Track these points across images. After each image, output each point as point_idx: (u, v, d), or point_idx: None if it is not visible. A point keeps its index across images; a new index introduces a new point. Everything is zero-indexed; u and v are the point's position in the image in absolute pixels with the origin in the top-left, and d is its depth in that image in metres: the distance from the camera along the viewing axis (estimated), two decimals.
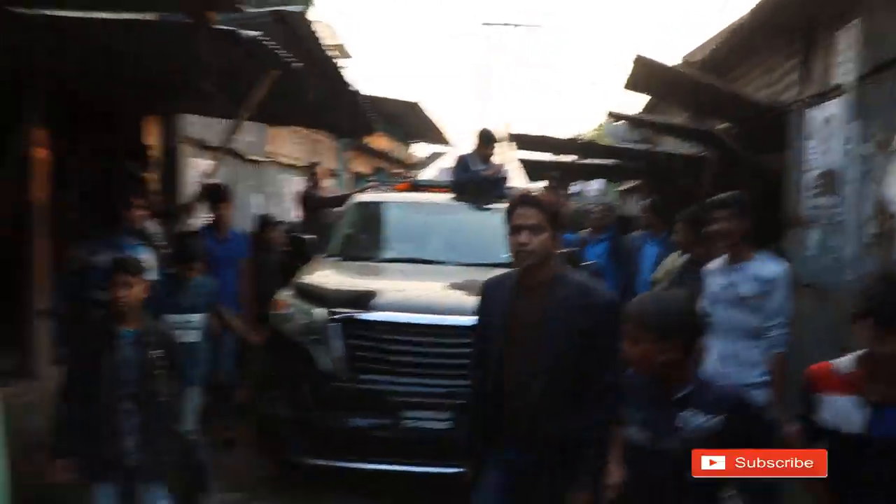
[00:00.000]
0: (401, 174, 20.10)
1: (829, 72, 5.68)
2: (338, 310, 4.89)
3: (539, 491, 2.89)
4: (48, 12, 4.44)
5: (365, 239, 6.59)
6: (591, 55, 66.79)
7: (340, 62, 8.34)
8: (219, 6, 4.47)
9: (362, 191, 8.46)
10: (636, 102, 12.47)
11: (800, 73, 6.26)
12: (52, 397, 3.67)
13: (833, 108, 5.54)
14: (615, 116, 10.30)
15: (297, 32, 5.62)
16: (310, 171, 9.70)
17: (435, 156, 23.98)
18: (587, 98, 66.43)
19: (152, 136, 8.73)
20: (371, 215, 6.88)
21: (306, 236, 6.85)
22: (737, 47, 7.49)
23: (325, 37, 7.09)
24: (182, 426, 3.97)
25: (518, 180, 16.10)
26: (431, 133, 19.10)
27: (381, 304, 4.91)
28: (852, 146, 5.19)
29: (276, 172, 13.06)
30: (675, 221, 5.29)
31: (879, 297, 2.50)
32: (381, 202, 7.14)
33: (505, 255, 3.55)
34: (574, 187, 11.73)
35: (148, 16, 4.57)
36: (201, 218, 6.96)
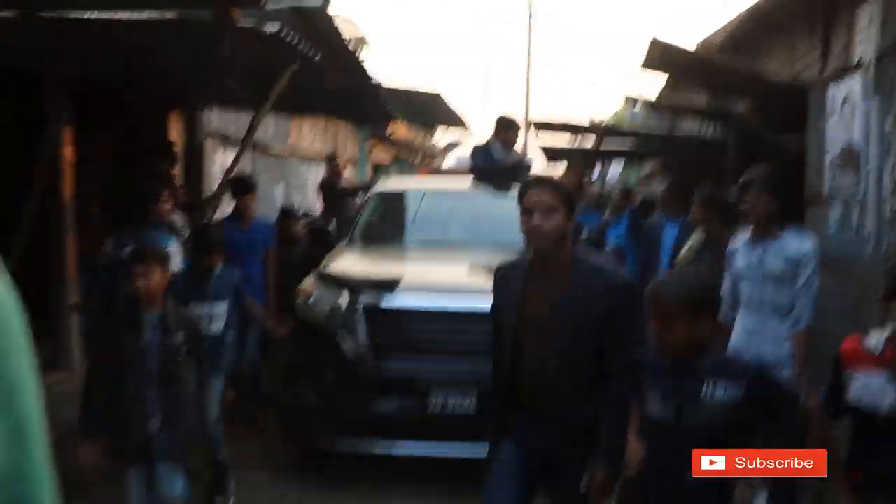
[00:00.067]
0: (422, 162, 20.15)
1: (849, 49, 5.65)
2: (362, 296, 4.93)
3: (556, 473, 2.91)
4: (74, 15, 4.54)
5: (387, 226, 6.64)
6: (610, 42, 66.28)
7: (362, 54, 8.40)
8: (242, 3, 4.54)
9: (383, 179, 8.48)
10: (655, 86, 12.44)
11: (821, 51, 6.24)
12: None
13: (853, 85, 5.52)
14: (633, 100, 10.28)
15: (318, 27, 5.70)
16: (330, 161, 9.76)
17: (455, 144, 23.99)
18: (606, 83, 65.98)
19: (176, 132, 8.87)
20: (393, 203, 6.91)
21: (328, 227, 6.91)
22: (757, 27, 7.46)
23: (346, 30, 7.15)
24: (206, 413, 4.00)
25: (540, 167, 16.13)
26: (452, 121, 19.10)
27: (405, 290, 4.95)
28: (872, 123, 5.18)
29: (299, 164, 13.16)
30: (692, 202, 5.32)
31: None
32: (403, 190, 7.18)
33: None
34: (595, 171, 11.74)
35: (172, 14, 4.65)
36: (226, 209, 7.06)
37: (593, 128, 10.43)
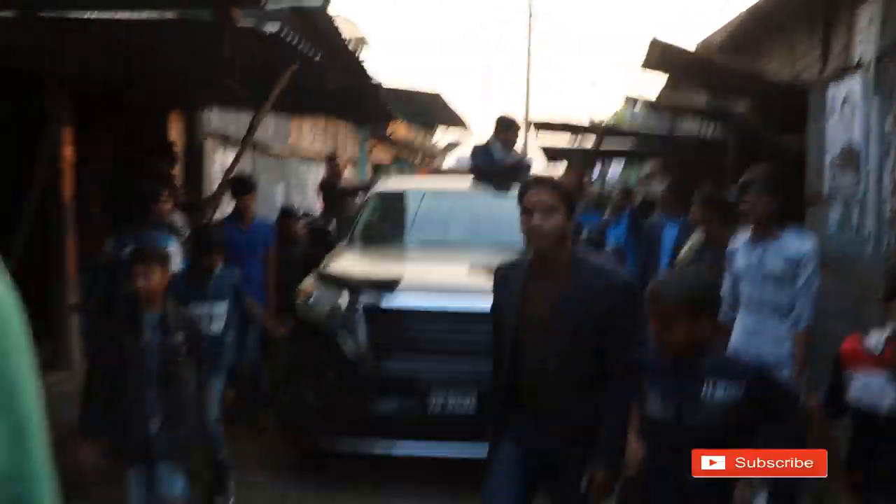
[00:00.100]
0: (422, 162, 20.16)
1: (849, 49, 5.66)
2: (362, 296, 4.93)
3: (556, 473, 2.90)
4: (74, 15, 4.54)
5: (387, 226, 6.65)
6: (610, 42, 66.29)
7: (362, 54, 8.40)
8: (242, 3, 4.55)
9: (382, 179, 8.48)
10: (655, 87, 12.45)
11: (821, 51, 6.24)
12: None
13: (853, 85, 5.53)
14: (633, 100, 10.28)
15: (318, 27, 5.70)
16: (330, 161, 9.76)
17: (455, 144, 24.01)
18: (607, 83, 65.99)
19: (176, 132, 8.87)
20: (393, 203, 6.91)
21: (328, 227, 6.91)
22: (757, 27, 7.46)
23: (346, 30, 7.15)
24: (207, 413, 3.99)
25: (540, 167, 16.12)
26: (452, 121, 19.11)
27: (406, 289, 4.95)
28: (872, 123, 5.19)
29: (299, 164, 13.16)
30: (692, 202, 5.32)
31: None
32: (403, 190, 7.18)
33: None
34: (595, 171, 11.75)
35: (172, 14, 4.66)
36: (226, 210, 7.06)
37: (593, 128, 10.43)
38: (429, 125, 21.21)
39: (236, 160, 7.27)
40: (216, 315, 4.48)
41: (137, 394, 3.53)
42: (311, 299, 5.17)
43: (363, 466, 5.00)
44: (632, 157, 14.47)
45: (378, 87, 7.66)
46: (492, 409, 3.11)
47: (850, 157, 5.50)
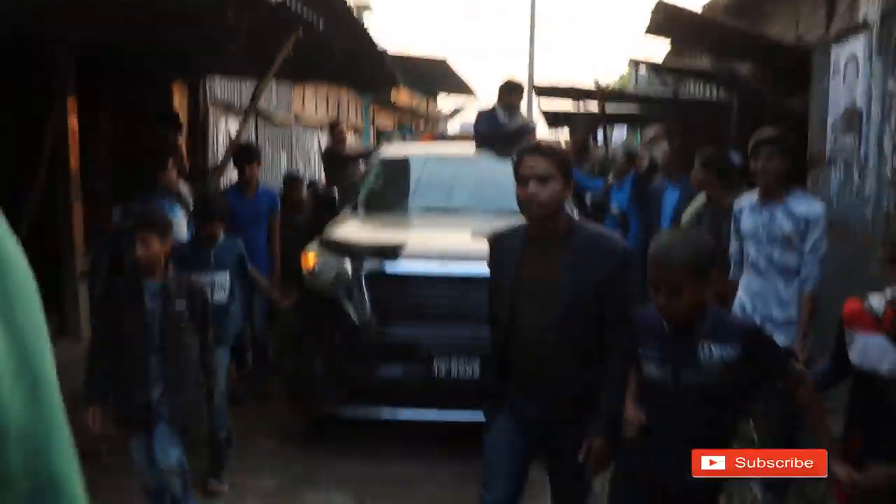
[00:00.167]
0: (426, 128, 20.10)
1: (854, 9, 5.62)
2: (366, 262, 4.95)
3: (554, 442, 2.89)
4: None
5: (391, 192, 6.62)
6: (615, 5, 65.46)
7: (365, 18, 8.35)
8: None
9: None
10: (659, 50, 12.34)
11: (825, 12, 6.19)
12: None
13: (857, 45, 5.50)
14: (637, 63, 10.22)
15: None
16: (332, 128, 9.74)
17: (460, 109, 23.90)
18: (611, 48, 65.28)
19: (180, 100, 8.86)
20: (396, 169, 6.89)
21: (332, 194, 6.90)
22: None
23: None
24: (210, 381, 3.90)
25: (544, 132, 16.05)
26: (457, 87, 19.01)
27: (409, 255, 4.95)
28: (875, 84, 5.17)
29: (302, 131, 13.15)
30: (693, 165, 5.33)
31: None
32: (406, 156, 7.16)
33: None
34: (599, 135, 11.69)
35: None
36: (231, 178, 7.08)
37: (597, 92, 10.37)
38: (433, 91, 21.11)
39: (241, 128, 7.28)
40: (218, 284, 4.45)
41: (139, 362, 3.53)
42: (316, 266, 5.17)
43: (368, 432, 5.06)
44: (636, 122, 14.40)
45: (383, 53, 7.63)
46: (487, 381, 3.07)
47: (852, 119, 5.49)
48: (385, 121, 19.80)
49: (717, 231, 4.62)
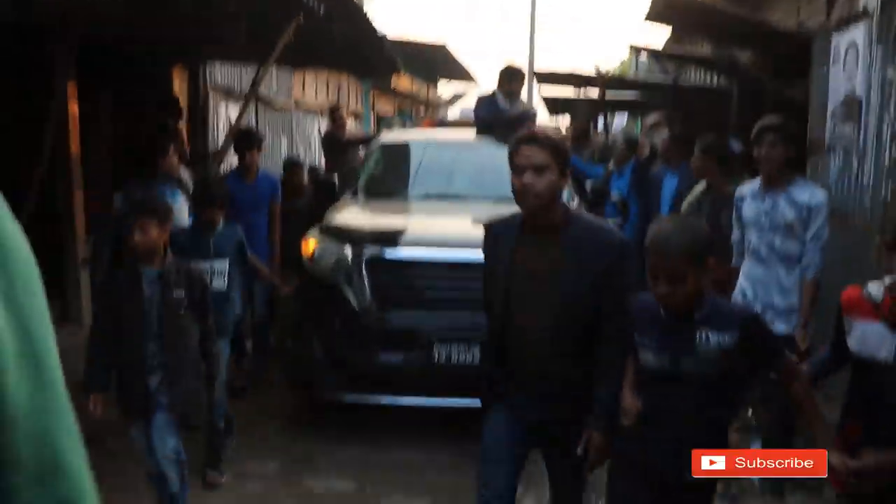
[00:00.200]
0: (426, 114, 20.08)
1: None
2: (366, 247, 4.94)
3: (551, 436, 2.87)
4: None
5: (391, 178, 6.61)
6: None
7: (365, 5, 8.34)
8: None
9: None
10: (660, 37, 12.32)
11: None
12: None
13: (857, 33, 5.49)
14: (638, 50, 10.20)
15: None
16: (332, 113, 9.72)
17: (460, 95, 23.86)
18: (611, 34, 65.02)
19: (180, 85, 8.85)
20: (397, 154, 6.87)
21: (332, 180, 6.90)
22: None
23: None
24: (211, 369, 3.85)
25: (545, 118, 16.03)
26: (457, 73, 18.98)
27: (409, 241, 4.95)
28: (875, 71, 5.17)
29: (303, 117, 13.13)
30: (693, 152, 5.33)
31: None
32: (407, 141, 7.14)
33: None
34: (599, 122, 11.68)
35: None
36: (231, 164, 7.07)
37: (597, 78, 10.35)
38: (433, 77, 21.06)
39: (241, 114, 7.27)
40: (217, 272, 4.40)
41: (137, 349, 3.51)
42: (316, 252, 5.17)
43: (368, 418, 5.09)
44: (636, 108, 14.38)
45: (383, 38, 7.62)
46: (484, 368, 3.04)
47: (852, 106, 5.49)
48: (385, 106, 19.77)
49: (716, 218, 4.63)
